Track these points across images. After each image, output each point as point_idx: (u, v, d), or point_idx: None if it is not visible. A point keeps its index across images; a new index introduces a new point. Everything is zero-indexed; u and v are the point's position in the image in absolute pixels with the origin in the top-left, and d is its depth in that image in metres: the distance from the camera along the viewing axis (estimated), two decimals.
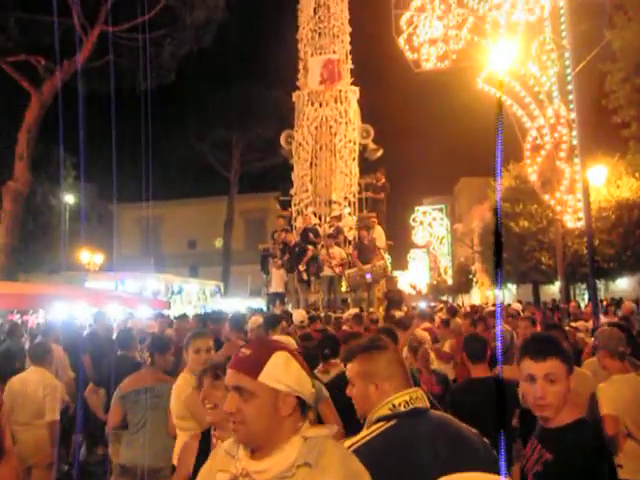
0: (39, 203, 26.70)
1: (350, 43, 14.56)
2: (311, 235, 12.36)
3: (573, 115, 11.32)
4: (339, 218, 13.04)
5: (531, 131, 11.95)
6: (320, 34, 14.48)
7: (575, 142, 11.18)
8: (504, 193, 19.60)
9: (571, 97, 11.43)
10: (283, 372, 1.51)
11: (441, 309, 11.68)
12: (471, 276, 37.51)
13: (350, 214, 13.55)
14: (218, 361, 2.52)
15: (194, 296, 20.78)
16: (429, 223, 45.83)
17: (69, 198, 29.85)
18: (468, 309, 11.57)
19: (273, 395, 1.50)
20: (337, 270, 11.73)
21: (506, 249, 19.39)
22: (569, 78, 11.43)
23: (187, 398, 3.42)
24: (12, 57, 18.78)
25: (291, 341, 4.20)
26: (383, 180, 13.68)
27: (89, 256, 28.77)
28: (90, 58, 19.44)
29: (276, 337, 4.49)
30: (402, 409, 1.88)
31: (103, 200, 37.60)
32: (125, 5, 18.69)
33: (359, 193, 13.80)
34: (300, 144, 14.04)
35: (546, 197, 11.92)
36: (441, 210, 47.54)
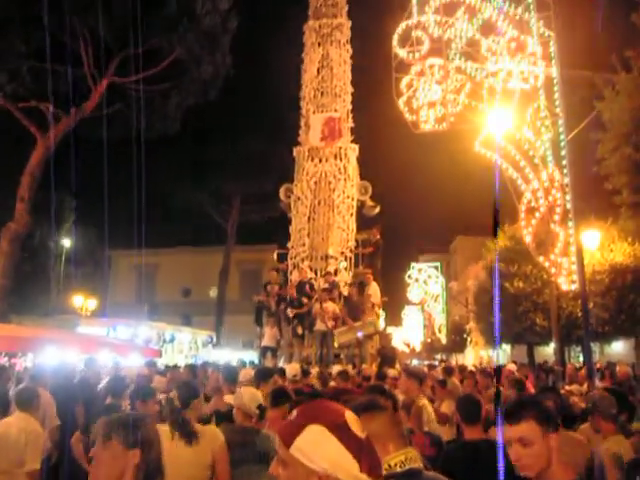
0: (36, 245, 26.76)
1: (351, 102, 15.01)
2: (307, 288, 12.40)
3: (567, 180, 11.56)
4: (335, 273, 13.11)
5: (526, 194, 12.17)
6: (322, 93, 14.96)
7: (569, 206, 11.39)
8: (499, 253, 19.74)
9: (565, 162, 11.72)
10: (314, 448, 1.34)
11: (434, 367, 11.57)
12: (465, 335, 37.24)
13: (346, 269, 13.61)
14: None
15: (186, 345, 20.57)
16: (424, 280, 45.87)
17: (66, 241, 29.97)
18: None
19: (304, 470, 1.34)
20: (330, 325, 11.70)
21: (501, 309, 19.36)
22: (562, 144, 11.74)
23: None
24: (22, 103, 19.27)
25: (257, 394, 4.18)
26: (378, 236, 13.81)
27: (83, 301, 28.61)
28: (97, 106, 19.95)
29: (242, 388, 4.46)
30: (398, 469, 1.88)
31: (101, 245, 37.63)
32: (135, 57, 19.36)
33: (355, 249, 13.89)
34: (299, 198, 14.25)
35: (540, 259, 12.02)
36: (436, 268, 47.65)
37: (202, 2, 18.47)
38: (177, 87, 20.35)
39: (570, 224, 11.26)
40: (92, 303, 29.66)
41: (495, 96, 12.56)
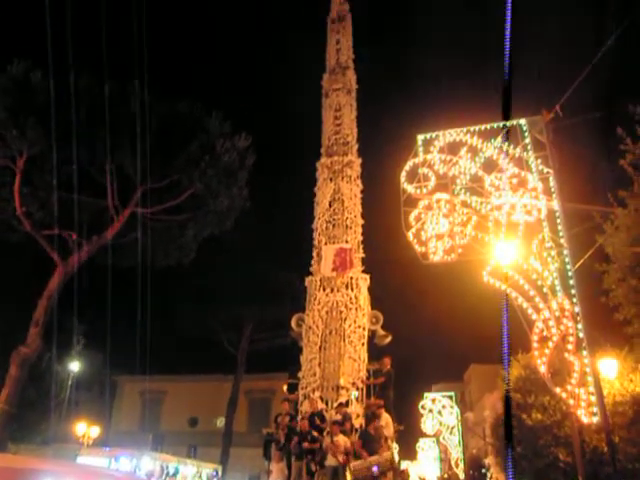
0: (43, 369, 26.45)
1: (362, 234, 15.55)
2: (318, 420, 12.07)
3: (577, 309, 11.62)
4: (347, 404, 12.81)
5: (537, 323, 12.13)
6: (334, 225, 15.57)
7: (582, 335, 11.33)
8: (514, 383, 19.24)
9: (574, 292, 11.85)
10: None
11: None
12: (484, 470, 35.11)
13: (358, 400, 13.29)
14: None
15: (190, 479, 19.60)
16: (439, 411, 44.08)
17: (74, 366, 29.65)
18: None
19: None
20: (341, 459, 11.24)
21: (519, 443, 18.46)
22: (570, 274, 11.96)
23: None
24: (47, 230, 20.14)
25: None
26: (389, 366, 13.64)
27: (85, 428, 27.71)
28: (117, 235, 20.78)
29: None
30: None
31: (107, 370, 37.10)
32: (156, 189, 20.52)
33: (367, 379, 13.66)
34: (310, 327, 14.30)
35: (557, 389, 11.72)
36: (451, 398, 46.00)
37: (222, 140, 19.86)
38: (194, 218, 21.24)
39: (584, 353, 11.13)
40: (95, 430, 28.66)
41: (501, 228, 13.02)
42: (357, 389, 13.51)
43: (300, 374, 13.95)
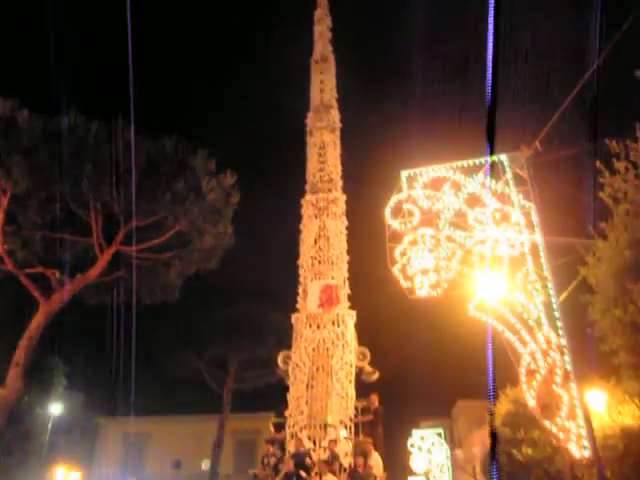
0: (23, 412, 25.64)
1: (348, 270, 15.56)
2: (306, 460, 11.83)
3: (564, 341, 11.65)
4: (335, 442, 12.58)
5: (524, 356, 12.15)
6: (320, 261, 15.56)
7: (569, 367, 11.32)
8: (503, 418, 19.09)
9: (559, 324, 11.91)
10: None
11: None
12: None
13: (346, 439, 13.06)
14: None
15: None
16: (428, 449, 43.26)
17: (55, 409, 28.80)
18: None
19: None
20: None
21: (510, 479, 18.23)
22: (555, 306, 12.04)
23: None
24: (30, 269, 19.86)
25: None
26: (377, 404, 13.48)
27: (64, 473, 26.78)
28: (101, 273, 20.56)
29: None
30: None
31: (89, 412, 36.12)
32: (141, 227, 20.42)
33: (355, 417, 13.46)
34: (297, 365, 14.14)
35: (547, 423, 11.63)
36: (439, 435, 45.18)
37: (208, 178, 19.94)
38: (179, 256, 21.14)
39: (573, 386, 11.10)
40: (75, 476, 27.71)
41: (485, 262, 13.13)
42: (345, 427, 13.28)
43: (287, 413, 13.71)
